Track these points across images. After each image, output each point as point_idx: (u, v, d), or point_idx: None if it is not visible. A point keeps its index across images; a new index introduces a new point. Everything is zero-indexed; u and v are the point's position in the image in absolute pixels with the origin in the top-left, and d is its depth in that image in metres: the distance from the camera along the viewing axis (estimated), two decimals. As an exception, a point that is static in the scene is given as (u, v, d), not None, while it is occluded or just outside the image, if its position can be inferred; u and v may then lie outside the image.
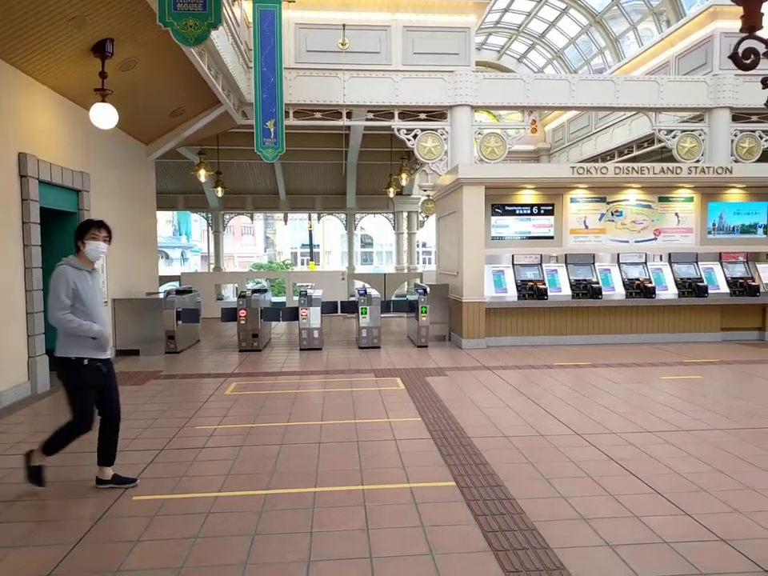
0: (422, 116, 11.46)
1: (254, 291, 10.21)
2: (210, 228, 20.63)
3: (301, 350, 9.85)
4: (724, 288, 10.05)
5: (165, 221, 39.76)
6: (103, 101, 7.25)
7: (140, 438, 5.10)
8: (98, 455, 4.01)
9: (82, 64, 7.12)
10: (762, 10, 2.83)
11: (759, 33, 2.87)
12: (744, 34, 2.85)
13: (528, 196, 10.20)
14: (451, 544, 3.16)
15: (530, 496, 3.76)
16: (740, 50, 2.85)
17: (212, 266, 20.69)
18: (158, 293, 10.51)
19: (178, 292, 10.48)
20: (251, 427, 5.40)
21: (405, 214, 21.42)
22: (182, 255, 43.80)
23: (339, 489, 3.91)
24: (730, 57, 2.92)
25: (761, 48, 2.88)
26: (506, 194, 10.13)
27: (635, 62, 14.38)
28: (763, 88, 2.94)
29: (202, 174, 13.83)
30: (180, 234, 44.75)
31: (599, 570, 2.88)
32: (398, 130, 11.34)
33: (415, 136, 11.34)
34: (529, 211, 10.19)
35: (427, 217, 20.45)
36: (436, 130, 11.38)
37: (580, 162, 17.02)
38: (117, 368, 8.29)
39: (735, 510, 3.52)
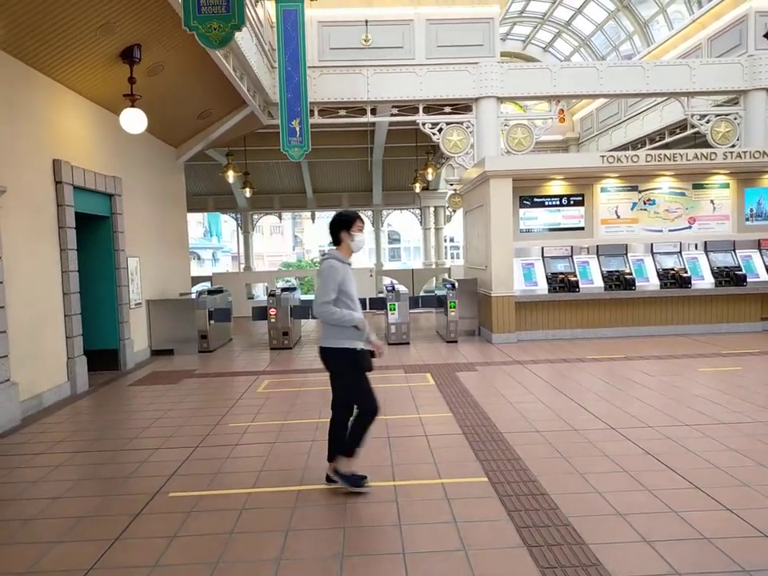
0: (447, 109, 11.38)
1: (284, 290, 10.31)
2: (239, 228, 20.88)
3: (331, 347, 9.89)
4: (764, 276, 9.71)
5: (195, 222, 40.47)
6: (132, 106, 7.40)
7: (175, 436, 5.21)
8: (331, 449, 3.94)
9: (111, 70, 7.29)
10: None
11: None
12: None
13: (557, 187, 10.03)
14: (484, 540, 3.14)
15: (564, 491, 3.71)
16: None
17: (242, 266, 20.96)
18: (191, 293, 10.69)
19: (210, 292, 10.65)
20: (283, 424, 5.46)
21: (431, 209, 21.31)
22: (213, 256, 44.54)
23: (371, 485, 3.92)
24: (765, 35, 2.81)
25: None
26: (534, 186, 9.99)
27: (665, 46, 13.99)
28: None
29: (230, 175, 14.00)
30: (211, 236, 45.51)
31: (636, 565, 2.82)
32: (423, 124, 11.28)
33: (440, 130, 11.27)
34: (558, 202, 10.03)
35: (454, 211, 20.29)
36: (461, 123, 11.28)
37: (610, 150, 16.68)
38: (152, 367, 8.53)
39: (779, 505, 3.41)
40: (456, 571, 2.84)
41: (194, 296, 9.97)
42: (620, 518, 3.32)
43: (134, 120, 7.44)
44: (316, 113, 11.15)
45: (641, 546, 3.00)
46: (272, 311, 9.71)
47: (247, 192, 15.68)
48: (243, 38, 8.20)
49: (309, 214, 21.87)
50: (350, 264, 3.93)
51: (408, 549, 3.06)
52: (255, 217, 21.12)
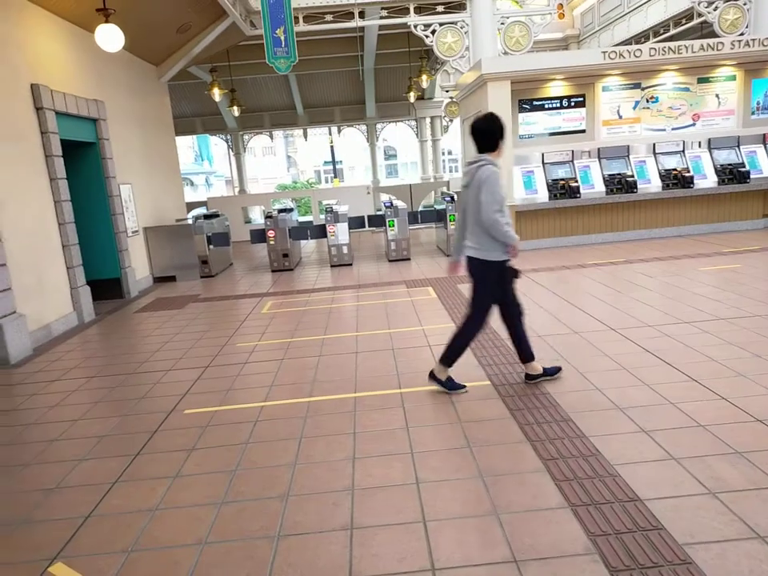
0: (440, 9, 10.71)
1: (281, 211, 10.19)
2: (230, 150, 20.37)
3: (332, 266, 9.94)
4: (768, 171, 9.55)
5: (185, 147, 39.42)
6: (107, 21, 6.97)
7: (186, 357, 5.33)
8: (520, 352, 3.98)
9: (79, -17, 6.81)
10: None
11: None
12: None
13: (557, 88, 9.63)
14: (488, 437, 3.27)
15: (564, 390, 3.83)
16: None
17: (236, 190, 20.64)
18: (187, 219, 10.59)
19: (206, 217, 10.54)
20: (290, 342, 5.57)
21: (428, 120, 20.66)
22: (206, 181, 43.72)
23: (378, 393, 4.05)
24: None
25: None
26: (534, 88, 9.59)
27: (673, -75, 12.93)
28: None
29: (216, 93, 13.46)
30: (202, 160, 44.45)
31: (634, 453, 2.95)
32: (415, 26, 10.66)
33: (434, 32, 10.66)
34: (558, 105, 9.67)
35: (451, 121, 19.68)
36: (455, 23, 10.66)
37: (612, 46, 15.87)
38: (155, 294, 8.61)
39: (773, 392, 3.53)
40: (461, 466, 2.98)
41: (190, 221, 9.88)
42: (619, 411, 3.45)
43: (110, 37, 7.02)
44: (301, 19, 10.52)
45: (638, 436, 3.13)
46: (270, 233, 9.65)
47: (235, 110, 15.15)
48: (217, -62, 7.60)
49: (301, 132, 21.24)
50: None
51: (416, 449, 3.20)
52: (246, 137, 20.55)
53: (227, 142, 20.31)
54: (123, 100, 9.09)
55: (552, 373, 4.05)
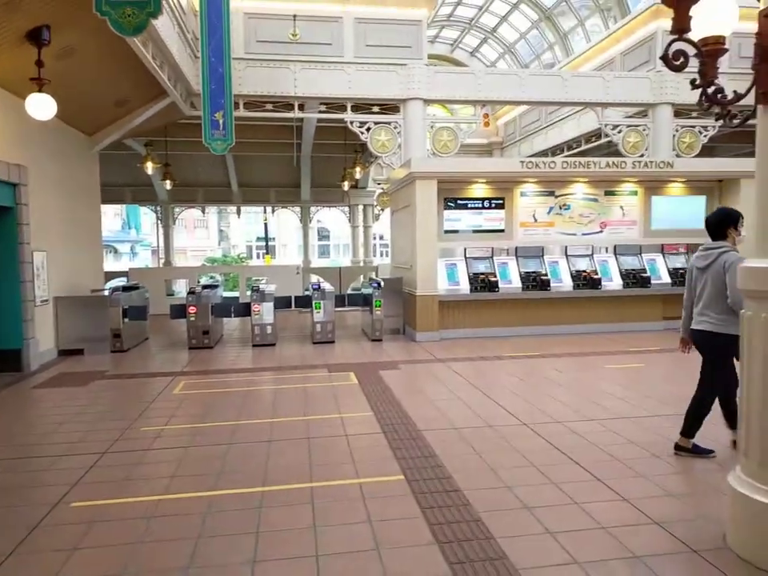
0: (376, 109, 11.43)
1: (205, 287, 10.01)
2: (159, 222, 20.07)
3: (254, 346, 9.73)
4: (666, 278, 10.45)
5: (113, 214, 38.51)
6: (40, 91, 6.92)
7: (82, 442, 4.94)
8: (686, 426, 4.38)
9: (17, 52, 6.77)
10: (690, 14, 2.91)
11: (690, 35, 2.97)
12: (674, 36, 2.93)
13: (480, 190, 10.32)
14: (398, 538, 3.19)
15: (476, 487, 3.83)
16: (670, 52, 2.94)
17: (162, 261, 20.16)
18: (104, 290, 10.17)
19: (125, 288, 10.17)
20: (199, 427, 5.31)
21: (360, 207, 21.38)
22: (131, 249, 42.49)
23: (288, 487, 3.89)
24: (661, 58, 3.02)
25: (690, 50, 2.98)
26: (459, 188, 10.23)
27: (583, 58, 14.70)
28: (692, 89, 3.05)
29: (149, 167, 13.43)
30: (129, 228, 43.36)
31: (539, 557, 2.96)
32: (351, 122, 11.28)
33: (368, 129, 11.31)
34: (480, 205, 10.32)
35: (383, 210, 20.47)
36: (389, 123, 11.37)
37: (531, 155, 17.36)
38: (59, 368, 8.05)
39: (668, 494, 3.68)
40: (367, 570, 2.87)
41: (107, 292, 9.48)
42: (527, 511, 3.47)
43: (41, 106, 6.94)
44: (241, 106, 10.89)
45: (544, 538, 3.15)
46: (191, 309, 9.40)
47: (168, 184, 15.10)
48: (163, 25, 7.88)
49: (234, 208, 21.34)
50: None
51: (321, 551, 3.06)
52: (177, 210, 20.37)
53: (156, 213, 20.04)
54: (49, 166, 8.87)
55: (699, 452, 4.36)
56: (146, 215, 41.59)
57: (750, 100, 2.91)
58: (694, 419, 4.35)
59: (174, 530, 3.33)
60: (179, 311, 9.64)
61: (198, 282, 13.76)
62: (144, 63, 7.84)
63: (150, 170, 13.68)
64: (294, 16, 10.54)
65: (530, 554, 2.99)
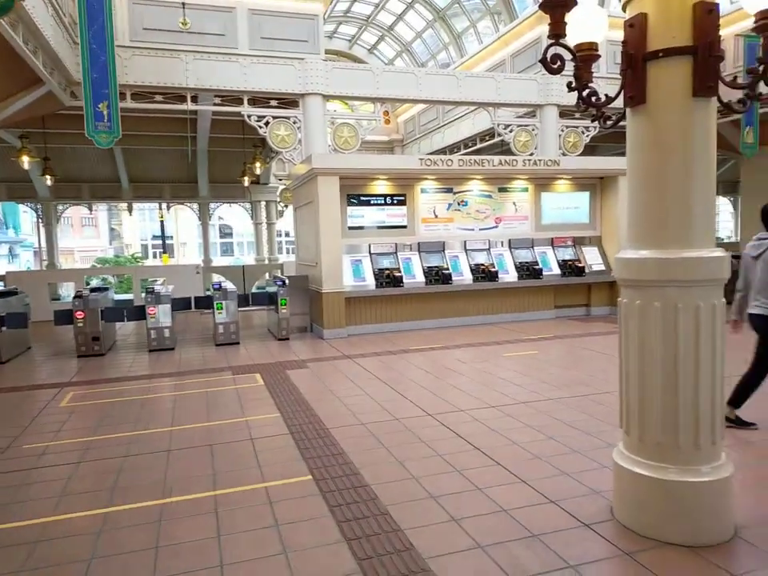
0: (274, 103, 11.21)
1: (93, 290, 9.35)
2: (40, 220, 18.48)
3: (150, 351, 9.22)
4: (556, 270, 11.12)
5: (-15, 212, 34.95)
6: None
7: (-49, 467, 4.44)
8: (735, 396, 4.62)
9: None
10: (565, 20, 3.09)
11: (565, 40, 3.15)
12: (551, 41, 3.10)
13: (382, 186, 10.43)
14: (305, 540, 3.15)
15: (383, 480, 3.88)
16: (548, 56, 3.10)
17: (45, 263, 18.60)
18: (-25, 296, 9.20)
19: (2, 294, 9.26)
20: (90, 440, 4.95)
21: (263, 204, 20.91)
22: (9, 251, 38.82)
23: (189, 497, 3.72)
24: (540, 61, 3.18)
25: (567, 55, 3.17)
26: (361, 185, 10.27)
27: (476, 59, 15.28)
28: (569, 91, 3.24)
29: (26, 161, 12.31)
30: (7, 228, 39.60)
31: (444, 544, 3.04)
32: (249, 116, 10.98)
33: (267, 123, 11.06)
34: (383, 201, 10.43)
35: (286, 206, 20.15)
36: (288, 118, 11.19)
37: (431, 153, 17.81)
38: None
39: (563, 473, 3.92)
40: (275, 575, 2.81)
41: (-21, 300, 8.59)
42: (433, 500, 3.56)
43: None
44: (129, 96, 10.25)
45: (449, 526, 3.25)
46: (79, 314, 8.74)
47: (48, 180, 13.92)
48: (35, 7, 7.23)
49: (125, 205, 20.12)
50: None
51: (226, 560, 2.96)
52: (60, 207, 18.87)
53: (36, 212, 18.44)
54: None
55: (741, 424, 4.64)
56: (26, 213, 38.22)
57: (621, 102, 3.15)
58: (743, 391, 4.66)
59: (63, 553, 3.08)
60: (65, 317, 8.93)
61: (87, 284, 12.85)
62: (14, 47, 7.16)
63: (27, 165, 12.53)
64: (183, 4, 10.07)
65: (436, 542, 3.07)
